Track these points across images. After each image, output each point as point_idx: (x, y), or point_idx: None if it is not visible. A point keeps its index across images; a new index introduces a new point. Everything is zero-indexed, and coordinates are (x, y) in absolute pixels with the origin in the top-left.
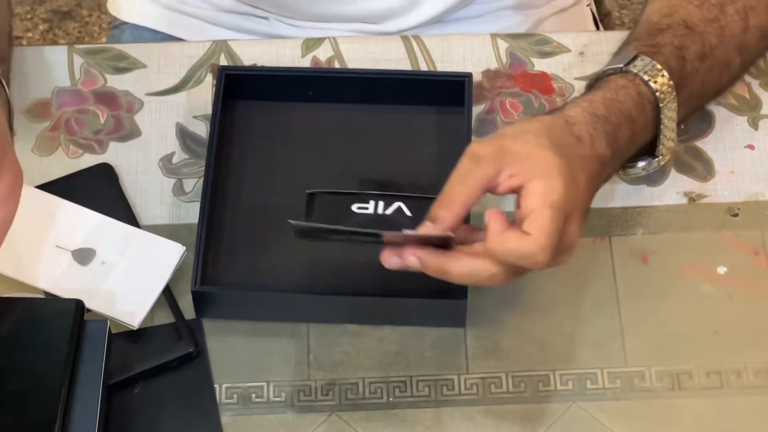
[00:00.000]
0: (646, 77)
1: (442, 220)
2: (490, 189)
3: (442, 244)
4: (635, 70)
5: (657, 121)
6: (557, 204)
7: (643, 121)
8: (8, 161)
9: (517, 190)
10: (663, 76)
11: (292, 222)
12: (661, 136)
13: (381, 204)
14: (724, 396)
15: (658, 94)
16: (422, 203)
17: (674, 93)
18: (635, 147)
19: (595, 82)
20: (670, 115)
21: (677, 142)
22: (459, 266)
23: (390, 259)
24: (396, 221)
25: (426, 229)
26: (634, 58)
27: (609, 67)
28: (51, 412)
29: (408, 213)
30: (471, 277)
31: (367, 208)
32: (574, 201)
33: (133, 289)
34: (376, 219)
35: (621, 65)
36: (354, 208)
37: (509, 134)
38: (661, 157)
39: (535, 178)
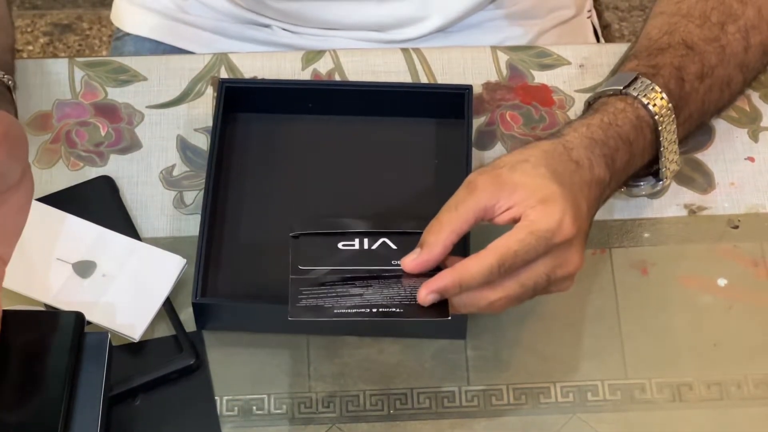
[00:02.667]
0: (645, 100)
1: (430, 244)
2: (487, 219)
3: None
4: (634, 93)
5: (656, 143)
6: (539, 232)
7: (642, 143)
8: (29, 171)
9: (518, 221)
10: (662, 98)
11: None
12: (663, 159)
13: (366, 240)
14: (724, 407)
15: (656, 117)
16: (406, 237)
17: (673, 115)
18: (633, 168)
19: (594, 100)
20: (668, 137)
21: (680, 164)
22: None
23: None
24: (383, 255)
25: (413, 256)
26: (634, 80)
27: (608, 88)
28: (51, 424)
29: (393, 246)
30: (472, 306)
31: (353, 245)
32: (577, 227)
33: (133, 301)
34: (362, 254)
35: (620, 87)
36: (340, 245)
37: (507, 163)
38: (665, 179)
39: (534, 207)
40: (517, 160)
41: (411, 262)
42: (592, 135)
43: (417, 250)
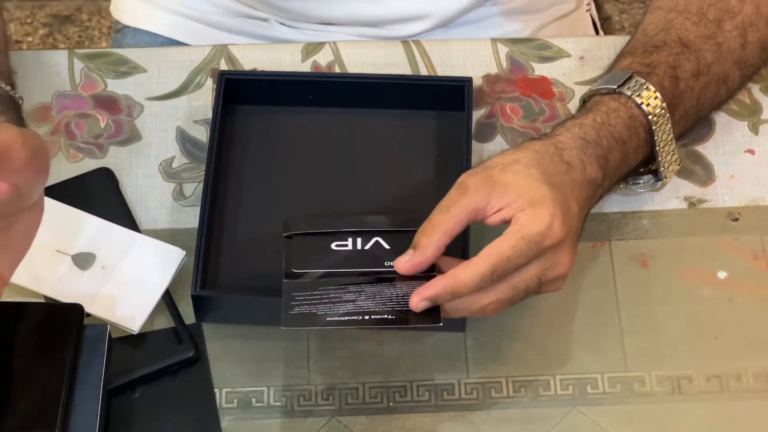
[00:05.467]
0: (638, 100)
1: (422, 247)
2: (479, 219)
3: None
4: (628, 93)
5: (650, 142)
6: (530, 236)
7: (635, 143)
8: (42, 197)
9: (508, 222)
10: (656, 98)
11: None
12: (661, 159)
13: (359, 240)
14: (724, 400)
15: (650, 116)
16: (399, 236)
17: (668, 114)
18: (628, 167)
19: (588, 98)
20: (663, 137)
21: (680, 163)
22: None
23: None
24: (376, 255)
25: (406, 258)
26: (628, 79)
27: (602, 86)
28: (51, 416)
29: (386, 246)
30: (464, 311)
31: (346, 245)
32: (566, 229)
33: (133, 293)
34: (355, 255)
35: (614, 86)
36: (333, 246)
37: (498, 164)
38: (665, 178)
39: (523, 210)
40: (508, 160)
41: (404, 264)
42: (585, 135)
43: (410, 252)
